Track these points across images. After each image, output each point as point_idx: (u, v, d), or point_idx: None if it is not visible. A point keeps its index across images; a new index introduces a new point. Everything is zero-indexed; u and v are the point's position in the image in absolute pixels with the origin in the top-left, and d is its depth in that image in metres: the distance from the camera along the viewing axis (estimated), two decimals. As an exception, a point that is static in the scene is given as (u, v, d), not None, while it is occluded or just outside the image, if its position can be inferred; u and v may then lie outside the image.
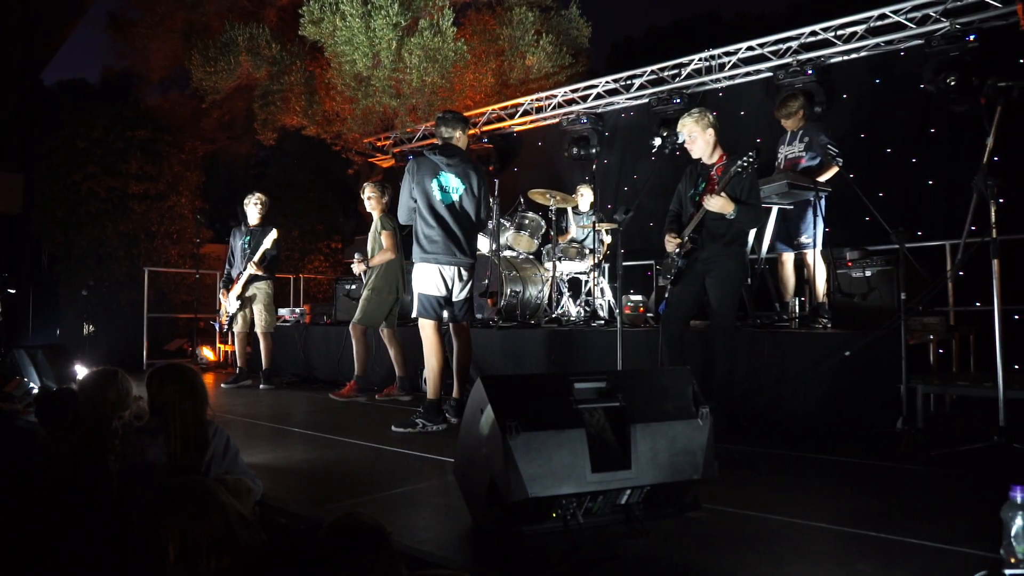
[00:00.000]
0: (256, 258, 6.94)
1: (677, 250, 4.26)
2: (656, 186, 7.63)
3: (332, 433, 4.65)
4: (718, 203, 4.06)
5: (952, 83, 6.46)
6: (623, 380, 2.69)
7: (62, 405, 3.45)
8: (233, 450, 2.64)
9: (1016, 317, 5.84)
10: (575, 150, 9.45)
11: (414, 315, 4.77)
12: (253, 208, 7.20)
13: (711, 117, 4.46)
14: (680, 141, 4.43)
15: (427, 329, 4.68)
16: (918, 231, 6.55)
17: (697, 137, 4.34)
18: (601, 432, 2.54)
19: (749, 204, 4.13)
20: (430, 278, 4.64)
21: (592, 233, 7.31)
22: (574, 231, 7.92)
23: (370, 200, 6.35)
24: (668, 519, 2.66)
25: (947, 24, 6.64)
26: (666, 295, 4.29)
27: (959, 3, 6.64)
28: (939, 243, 6.23)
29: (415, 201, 4.63)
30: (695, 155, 4.37)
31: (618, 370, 4.10)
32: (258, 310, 7.13)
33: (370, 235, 6.38)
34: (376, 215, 6.33)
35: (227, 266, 7.27)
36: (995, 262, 3.70)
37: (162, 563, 1.61)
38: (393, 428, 4.62)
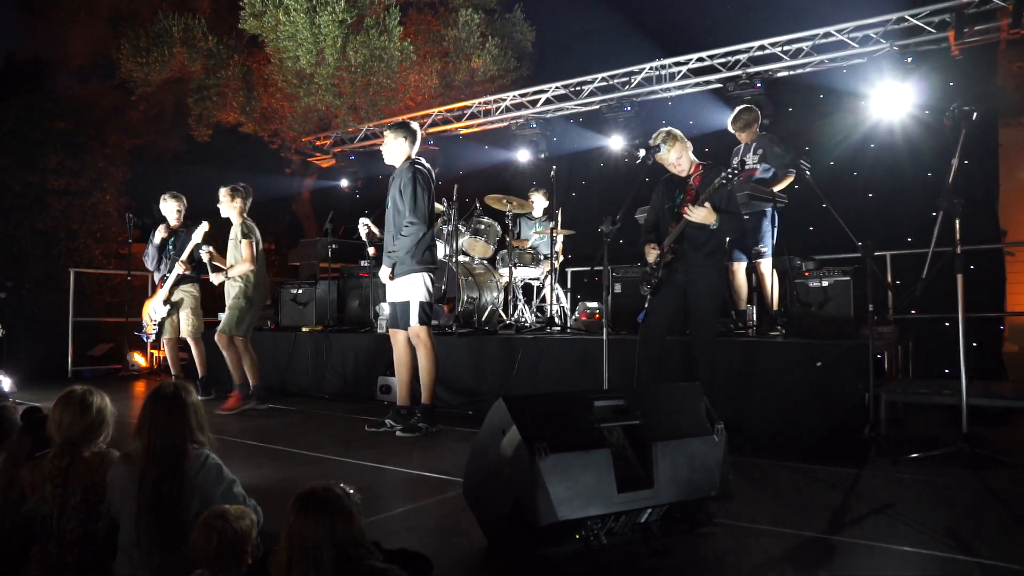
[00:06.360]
0: (184, 256, 6.46)
1: (658, 259, 4.28)
2: (637, 197, 7.69)
3: (304, 448, 4.44)
4: (701, 213, 4.10)
5: (891, 101, 6.81)
6: (639, 397, 2.68)
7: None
8: (228, 480, 2.42)
9: (947, 324, 6.17)
10: (524, 154, 9.44)
11: (415, 323, 4.81)
12: (172, 210, 6.75)
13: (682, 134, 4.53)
14: (663, 157, 4.39)
15: (426, 335, 4.85)
16: (858, 242, 6.84)
17: (683, 156, 4.39)
18: (622, 451, 2.52)
19: (731, 213, 4.20)
20: (429, 285, 4.87)
21: (548, 239, 7.30)
22: (533, 239, 7.79)
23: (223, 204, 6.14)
24: (682, 535, 2.67)
25: (887, 45, 6.99)
26: (646, 305, 4.31)
27: (897, 27, 7.00)
28: (879, 254, 6.52)
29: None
30: (683, 175, 4.40)
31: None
32: (185, 315, 6.68)
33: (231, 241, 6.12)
34: (237, 221, 6.13)
35: (150, 264, 6.77)
36: (959, 277, 3.90)
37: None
38: (398, 433, 4.81)
